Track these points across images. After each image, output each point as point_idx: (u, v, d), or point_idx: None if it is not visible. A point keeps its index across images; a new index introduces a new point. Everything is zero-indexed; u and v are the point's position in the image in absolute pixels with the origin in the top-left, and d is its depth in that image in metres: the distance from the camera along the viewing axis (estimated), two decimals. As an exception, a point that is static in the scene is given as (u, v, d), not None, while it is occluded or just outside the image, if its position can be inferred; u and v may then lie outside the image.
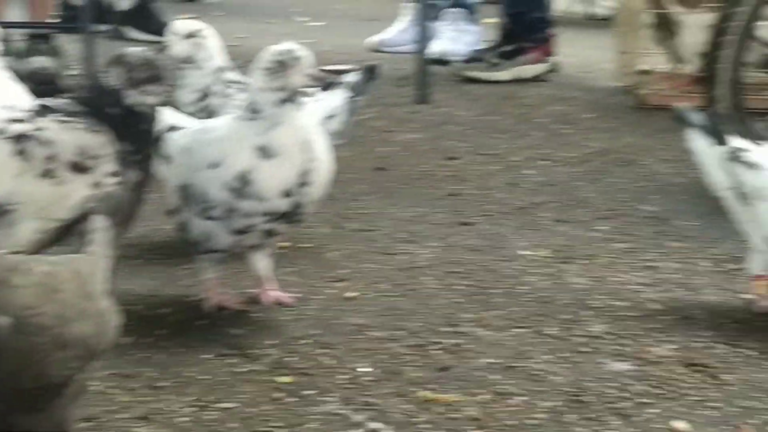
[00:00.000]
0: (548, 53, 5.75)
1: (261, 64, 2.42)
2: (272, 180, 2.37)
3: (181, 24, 3.06)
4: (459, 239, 3.14)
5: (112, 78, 2.28)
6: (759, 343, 2.45)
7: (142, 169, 2.28)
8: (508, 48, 5.62)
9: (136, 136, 2.28)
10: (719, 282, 2.83)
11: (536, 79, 5.64)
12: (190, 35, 3.02)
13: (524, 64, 5.62)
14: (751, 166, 2.52)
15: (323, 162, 2.44)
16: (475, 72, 5.60)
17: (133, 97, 2.27)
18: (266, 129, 2.38)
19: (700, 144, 2.62)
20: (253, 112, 2.40)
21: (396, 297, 2.69)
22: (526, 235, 3.20)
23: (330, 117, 3.02)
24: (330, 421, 2.07)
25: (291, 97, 2.40)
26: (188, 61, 3.01)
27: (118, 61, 2.29)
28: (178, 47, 3.01)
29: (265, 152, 2.37)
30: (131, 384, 2.19)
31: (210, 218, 2.43)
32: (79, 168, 2.24)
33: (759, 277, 2.61)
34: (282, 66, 2.39)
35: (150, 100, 2.28)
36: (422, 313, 2.59)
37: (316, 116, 2.96)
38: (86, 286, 1.80)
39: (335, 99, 3.06)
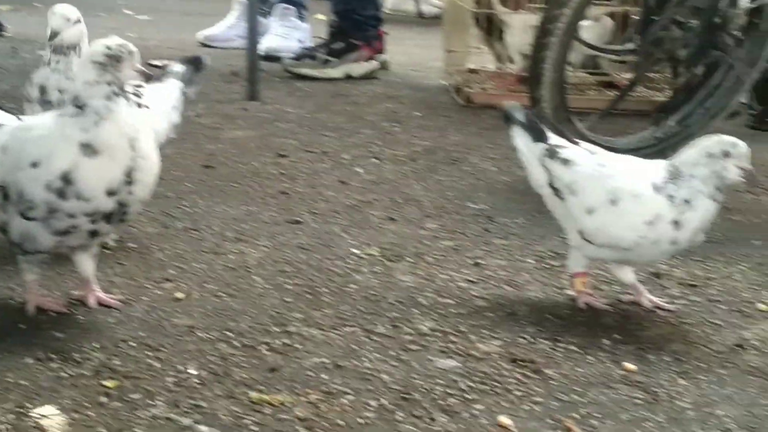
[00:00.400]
0: (378, 51, 5.79)
1: (92, 57, 2.35)
2: (96, 179, 2.31)
3: (68, 9, 2.94)
4: (289, 238, 3.13)
5: None
6: (580, 338, 2.52)
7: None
8: (339, 45, 5.63)
9: None
10: (543, 278, 2.90)
11: (366, 77, 5.67)
12: (78, 21, 2.93)
13: (354, 61, 5.65)
14: (565, 162, 2.63)
15: (150, 160, 2.39)
16: (305, 69, 5.59)
17: None
18: (91, 125, 2.32)
19: (521, 141, 2.71)
20: (78, 107, 2.34)
21: (225, 297, 2.66)
22: (356, 233, 3.21)
23: (172, 108, 3.01)
24: (157, 425, 2.03)
25: (119, 92, 2.35)
26: (73, 47, 2.92)
27: None
28: (68, 32, 2.91)
29: (90, 150, 2.31)
30: (-53, 391, 2.11)
31: (31, 219, 2.35)
32: None
33: (577, 274, 2.70)
34: (114, 60, 2.34)
35: None
36: (251, 313, 2.57)
37: (161, 108, 2.94)
38: None
39: (171, 90, 3.04)
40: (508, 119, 2.74)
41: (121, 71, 2.34)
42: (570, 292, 2.76)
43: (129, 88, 2.37)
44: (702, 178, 2.53)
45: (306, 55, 5.66)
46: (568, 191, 2.62)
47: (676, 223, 2.54)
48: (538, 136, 2.68)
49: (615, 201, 2.56)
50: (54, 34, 2.90)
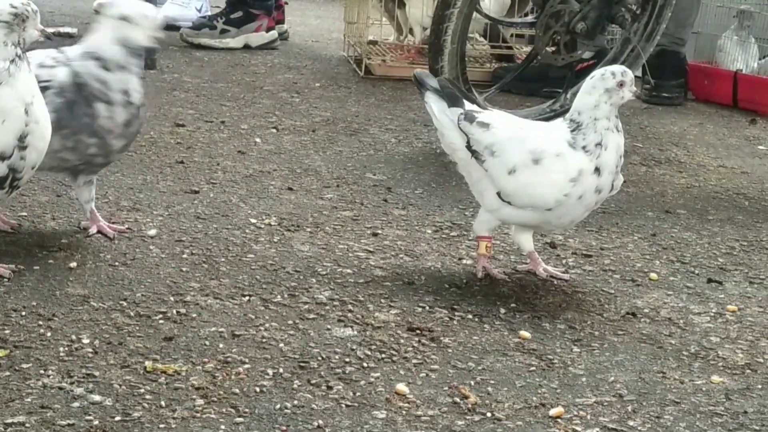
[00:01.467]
0: (278, 21, 5.76)
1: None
2: None
3: None
4: (186, 207, 3.09)
5: None
6: (475, 306, 2.54)
7: None
8: (238, 15, 5.58)
9: None
10: (440, 248, 2.92)
11: (265, 46, 5.63)
12: None
13: (254, 31, 5.60)
14: (483, 125, 2.61)
15: (42, 124, 2.34)
16: (204, 39, 5.53)
17: None
18: None
19: (436, 106, 2.69)
20: None
21: (120, 267, 2.62)
22: (254, 203, 3.19)
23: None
24: (48, 394, 1.99)
25: (22, 53, 2.30)
26: None
27: None
28: None
29: None
30: None
31: None
32: None
33: (482, 238, 2.71)
34: (20, 18, 2.29)
35: None
36: (147, 282, 2.54)
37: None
38: None
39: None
40: (419, 85, 2.72)
41: (27, 31, 2.30)
42: (468, 262, 2.78)
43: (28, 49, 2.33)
44: (606, 114, 2.56)
45: (204, 25, 5.59)
46: (488, 153, 2.60)
47: (597, 170, 2.56)
48: (454, 102, 2.67)
49: (538, 160, 2.56)
50: None
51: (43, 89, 2.49)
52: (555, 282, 2.73)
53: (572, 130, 2.58)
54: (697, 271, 2.90)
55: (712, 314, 2.62)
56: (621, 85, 2.57)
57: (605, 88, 2.57)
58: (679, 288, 2.77)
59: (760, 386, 2.24)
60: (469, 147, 2.64)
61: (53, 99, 2.54)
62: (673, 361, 2.34)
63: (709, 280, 2.83)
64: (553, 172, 2.56)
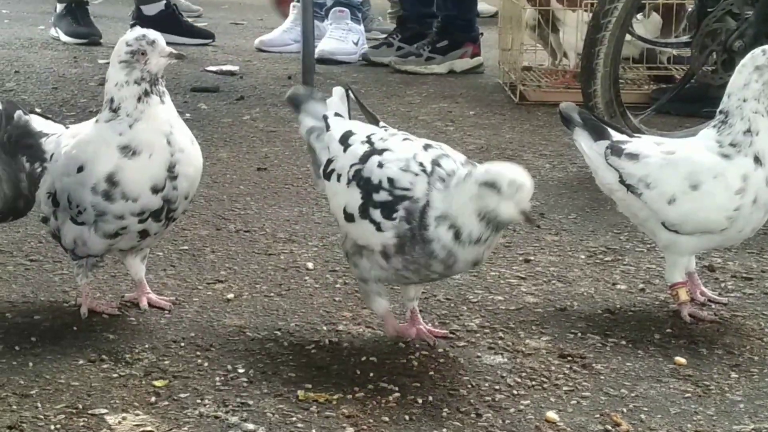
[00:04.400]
0: (477, 50, 5.91)
1: (117, 57, 2.38)
2: (140, 178, 2.35)
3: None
4: (339, 238, 3.13)
5: None
6: (629, 332, 2.50)
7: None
8: (443, 43, 5.76)
9: None
10: (593, 274, 2.88)
11: (471, 71, 5.75)
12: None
13: (459, 57, 5.77)
14: (632, 157, 2.54)
15: (188, 152, 2.41)
16: (410, 66, 5.71)
17: None
18: (126, 128, 2.35)
19: (585, 143, 2.62)
20: (113, 110, 2.37)
21: (275, 297, 2.68)
22: (407, 232, 3.21)
23: None
24: (205, 423, 2.05)
25: (151, 88, 2.37)
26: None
27: None
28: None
29: (129, 151, 2.35)
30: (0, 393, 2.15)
31: (81, 223, 2.40)
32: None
33: (678, 284, 2.58)
34: (138, 54, 2.36)
35: None
36: (301, 312, 2.59)
37: None
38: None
39: None
40: (567, 122, 2.66)
41: (150, 63, 2.37)
42: (622, 287, 2.73)
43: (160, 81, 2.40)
44: (755, 95, 2.44)
45: (411, 53, 5.77)
46: (643, 185, 2.51)
47: (758, 160, 2.44)
48: (600, 134, 2.61)
49: (696, 186, 2.46)
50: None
51: (399, 198, 2.24)
52: (713, 306, 2.66)
53: (718, 128, 2.47)
54: None
55: None
56: None
57: (755, 66, 2.44)
58: None
59: None
60: (622, 181, 2.56)
61: (402, 225, 2.23)
62: (837, 386, 2.26)
63: None
64: (716, 194, 2.46)
